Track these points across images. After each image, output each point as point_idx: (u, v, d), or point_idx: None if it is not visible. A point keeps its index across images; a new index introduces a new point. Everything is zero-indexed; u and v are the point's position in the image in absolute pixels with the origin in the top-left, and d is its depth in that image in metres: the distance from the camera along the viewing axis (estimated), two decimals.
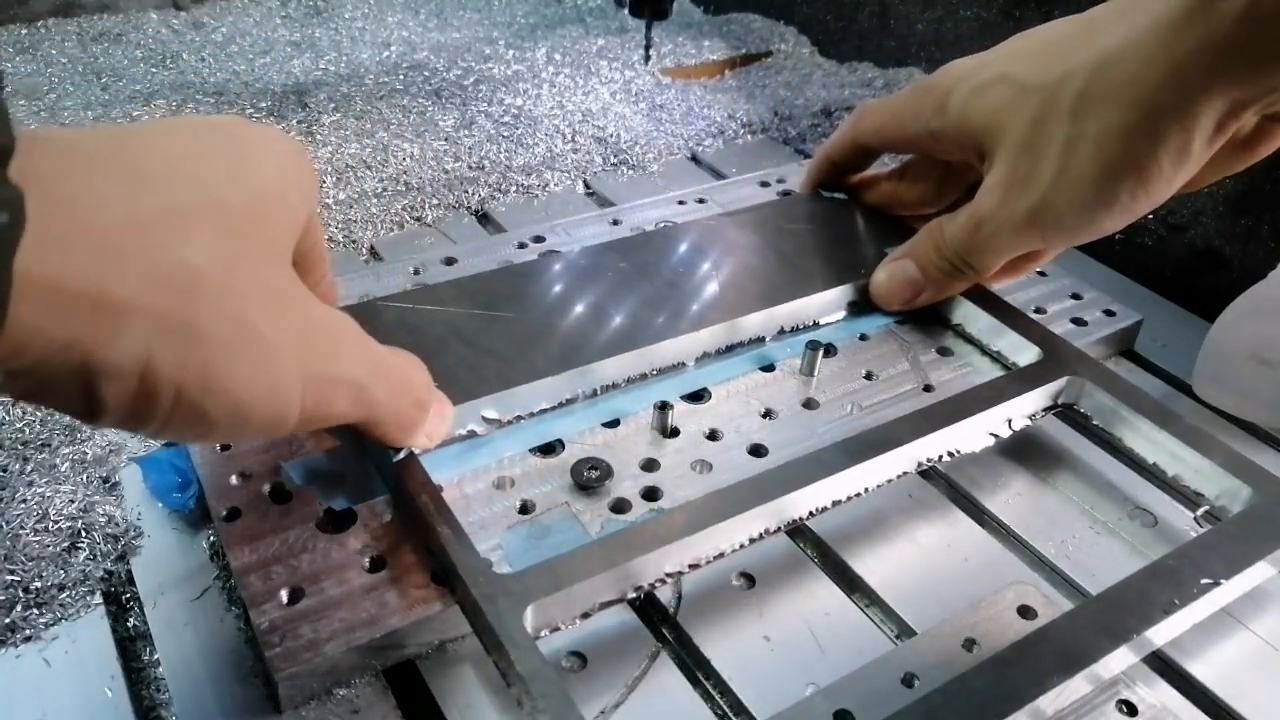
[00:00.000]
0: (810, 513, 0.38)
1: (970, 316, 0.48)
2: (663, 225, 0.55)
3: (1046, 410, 0.44)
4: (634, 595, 0.34)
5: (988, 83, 0.42)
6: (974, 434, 0.41)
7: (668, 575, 0.35)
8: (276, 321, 0.26)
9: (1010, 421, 0.42)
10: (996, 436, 0.42)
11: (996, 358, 0.47)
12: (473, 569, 0.32)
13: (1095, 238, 0.41)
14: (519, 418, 0.40)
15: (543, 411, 0.41)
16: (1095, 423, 0.43)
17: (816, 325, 0.48)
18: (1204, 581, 0.34)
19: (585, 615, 0.33)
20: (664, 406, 0.41)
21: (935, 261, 0.45)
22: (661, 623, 0.37)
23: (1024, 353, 0.45)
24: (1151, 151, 0.37)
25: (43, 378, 0.22)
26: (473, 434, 0.39)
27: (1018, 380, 0.43)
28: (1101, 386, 0.42)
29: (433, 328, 0.41)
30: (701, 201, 0.61)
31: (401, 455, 0.36)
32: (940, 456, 0.41)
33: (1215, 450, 0.39)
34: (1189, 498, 0.41)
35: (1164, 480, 0.41)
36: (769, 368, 0.45)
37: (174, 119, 0.28)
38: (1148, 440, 0.41)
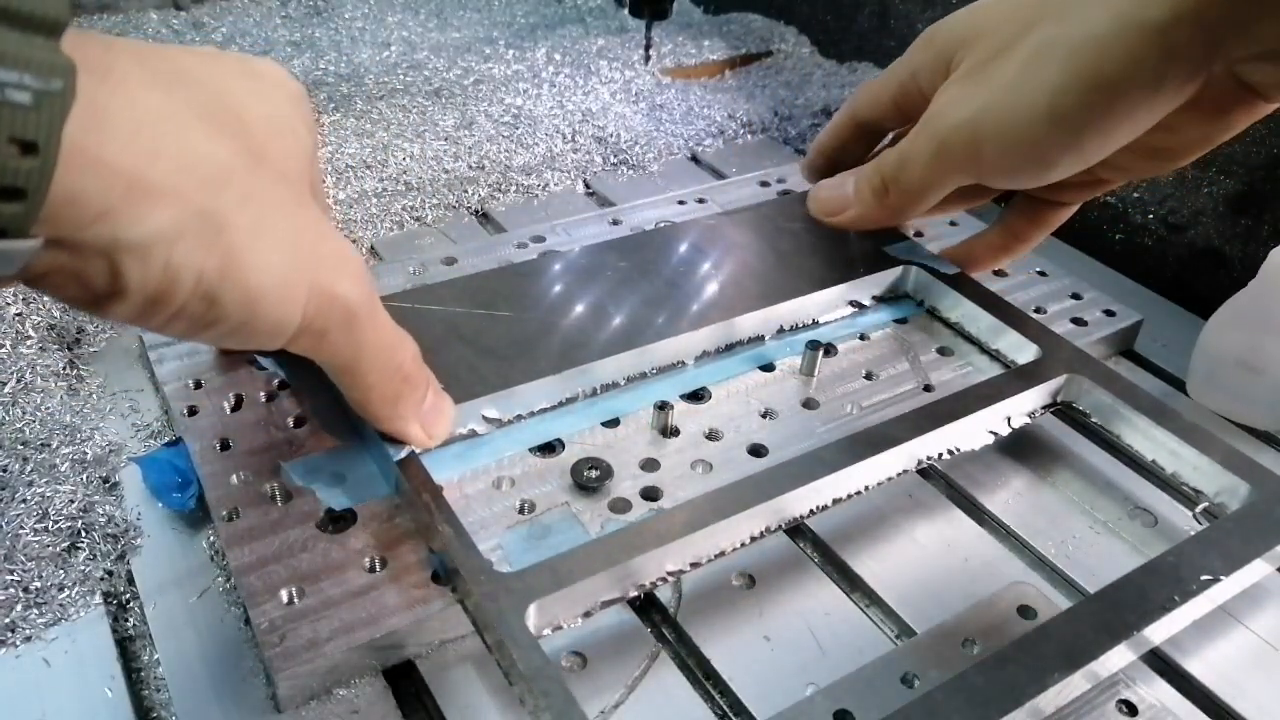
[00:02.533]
0: (810, 511, 0.38)
1: (970, 316, 0.48)
2: (662, 225, 0.55)
3: (1045, 408, 0.44)
4: (636, 594, 0.34)
5: (987, 5, 0.41)
6: (973, 432, 0.41)
7: (669, 573, 0.35)
8: (290, 227, 0.28)
9: (1009, 419, 0.42)
10: (996, 434, 0.42)
11: (996, 356, 0.47)
12: (475, 568, 0.32)
13: (1031, 171, 0.39)
14: (519, 417, 0.40)
15: (542, 411, 0.41)
16: (1094, 420, 0.43)
17: (816, 324, 0.48)
18: (1203, 578, 0.34)
19: (587, 614, 0.33)
20: (664, 406, 0.41)
21: (868, 176, 0.44)
22: (661, 623, 0.37)
23: (1023, 351, 0.45)
24: (1125, 68, 0.35)
25: (72, 251, 0.23)
26: (473, 433, 0.39)
27: (1016, 378, 0.43)
28: (1100, 384, 0.42)
29: (433, 328, 0.41)
30: (701, 201, 0.61)
31: (402, 454, 0.36)
32: (940, 454, 0.41)
33: (1214, 447, 0.39)
34: (1187, 495, 0.41)
35: (1162, 478, 0.41)
36: (769, 367, 0.45)
37: (190, 47, 0.30)
38: (1146, 437, 0.41)
